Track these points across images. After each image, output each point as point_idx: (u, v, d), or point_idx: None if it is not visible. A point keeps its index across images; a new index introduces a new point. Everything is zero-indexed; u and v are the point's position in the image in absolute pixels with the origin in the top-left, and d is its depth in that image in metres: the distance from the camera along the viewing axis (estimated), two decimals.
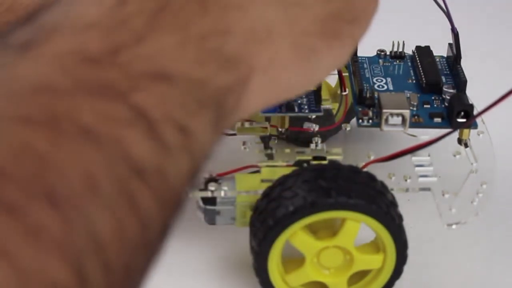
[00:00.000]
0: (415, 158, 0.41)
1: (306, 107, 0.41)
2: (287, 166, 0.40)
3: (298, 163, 0.40)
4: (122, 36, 0.23)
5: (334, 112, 0.47)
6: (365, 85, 0.42)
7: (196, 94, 0.24)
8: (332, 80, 0.48)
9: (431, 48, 0.45)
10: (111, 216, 0.20)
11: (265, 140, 0.44)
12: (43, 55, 0.22)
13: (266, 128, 0.43)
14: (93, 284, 0.19)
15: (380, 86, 0.43)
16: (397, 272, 0.38)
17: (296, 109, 0.41)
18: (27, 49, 0.22)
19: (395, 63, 0.45)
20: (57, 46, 0.22)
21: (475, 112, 0.40)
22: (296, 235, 0.37)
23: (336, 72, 0.44)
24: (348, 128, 0.43)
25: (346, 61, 0.31)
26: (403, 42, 0.45)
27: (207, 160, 0.25)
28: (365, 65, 0.45)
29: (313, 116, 0.42)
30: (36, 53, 0.22)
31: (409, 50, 0.45)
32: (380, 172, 0.38)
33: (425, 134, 0.40)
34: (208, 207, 0.39)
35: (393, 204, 0.37)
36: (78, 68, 0.22)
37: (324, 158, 0.40)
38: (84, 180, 0.20)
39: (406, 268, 0.38)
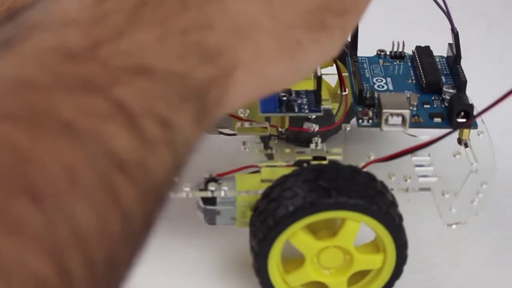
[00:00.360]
0: (415, 158, 0.41)
1: (306, 107, 0.41)
2: (287, 166, 0.40)
3: (298, 163, 0.40)
4: (102, 32, 0.23)
5: (334, 112, 0.47)
6: (365, 85, 0.42)
7: (177, 88, 0.24)
8: (332, 80, 0.48)
9: (431, 48, 0.45)
10: (92, 209, 0.20)
11: (265, 140, 0.44)
12: (23, 51, 0.22)
13: (266, 128, 0.43)
14: (75, 277, 0.19)
15: (380, 86, 0.43)
16: (397, 272, 0.39)
17: (296, 109, 0.41)
18: (8, 46, 0.22)
19: (395, 63, 0.45)
20: (37, 43, 0.23)
21: (475, 112, 0.40)
22: (296, 235, 0.37)
23: (336, 72, 0.44)
24: (348, 128, 0.43)
25: (336, 54, 0.31)
26: (403, 42, 0.45)
27: (191, 154, 0.25)
28: (365, 65, 0.45)
29: (313, 116, 0.42)
30: (16, 50, 0.22)
31: (409, 50, 0.45)
32: (380, 172, 0.38)
33: (425, 134, 0.40)
34: (208, 207, 0.39)
35: (393, 204, 0.37)
36: (57, 63, 0.22)
37: (324, 158, 0.40)
38: (64, 174, 0.20)
39: (406, 268, 0.38)
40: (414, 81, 0.44)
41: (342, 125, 0.44)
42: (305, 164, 0.40)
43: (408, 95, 0.42)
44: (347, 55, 0.46)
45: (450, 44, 0.44)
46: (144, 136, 0.22)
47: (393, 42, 0.46)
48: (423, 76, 0.43)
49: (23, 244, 0.19)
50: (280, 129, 0.42)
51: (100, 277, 0.20)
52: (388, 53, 0.46)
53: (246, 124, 0.43)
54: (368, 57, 0.45)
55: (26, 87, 0.21)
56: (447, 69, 0.44)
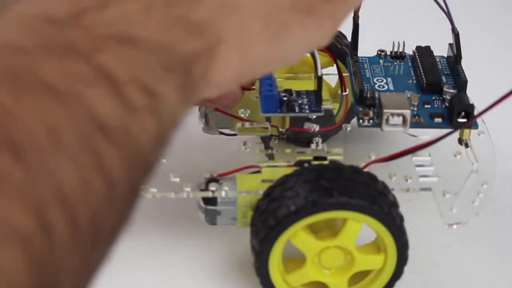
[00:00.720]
0: (416, 158, 0.41)
1: (306, 107, 0.41)
2: (288, 166, 0.40)
3: (299, 163, 0.40)
4: (86, 1, 0.24)
5: (335, 112, 0.47)
6: (365, 85, 0.42)
7: (161, 59, 0.24)
8: (333, 80, 0.48)
9: (432, 48, 0.45)
10: (74, 168, 0.20)
11: (266, 140, 0.44)
12: (7, 17, 0.23)
13: (266, 128, 0.43)
14: (57, 233, 0.20)
15: (381, 86, 0.43)
16: (398, 272, 0.39)
17: (297, 109, 0.41)
18: None
19: (395, 63, 0.45)
20: (21, 9, 0.23)
21: (475, 112, 0.40)
22: (297, 235, 0.37)
23: (336, 72, 0.44)
24: (348, 128, 0.43)
25: (326, 42, 0.31)
26: (404, 42, 0.45)
27: (177, 129, 0.25)
28: (365, 65, 0.45)
29: (314, 116, 0.42)
30: (2, 15, 0.23)
31: (409, 50, 0.45)
32: (380, 172, 0.38)
33: (426, 134, 0.40)
34: (209, 207, 0.39)
35: (394, 204, 0.37)
36: (41, 28, 0.23)
37: (324, 158, 0.40)
38: (46, 133, 0.20)
39: (406, 268, 0.38)
40: (414, 81, 0.44)
41: (343, 125, 0.44)
42: (306, 164, 0.40)
43: (408, 95, 0.42)
44: (348, 55, 0.46)
45: (450, 44, 0.44)
46: (127, 102, 0.22)
47: (393, 42, 0.46)
48: (423, 76, 0.43)
49: (3, 197, 0.19)
50: (280, 129, 0.42)
51: (83, 236, 0.20)
52: (388, 53, 0.46)
53: (247, 124, 0.43)
54: (369, 57, 0.45)
55: (8, 50, 0.22)
56: (448, 69, 0.44)
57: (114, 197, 0.22)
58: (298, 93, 0.42)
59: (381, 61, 0.45)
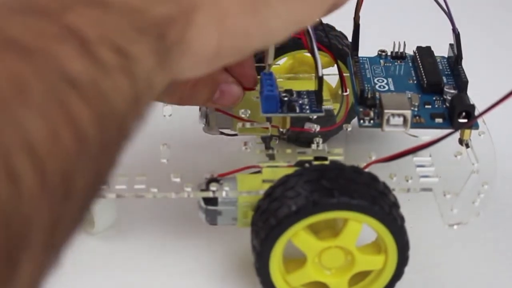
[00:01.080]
0: (417, 159, 0.41)
1: (307, 107, 0.41)
2: (288, 166, 0.40)
3: (299, 164, 0.40)
4: None
5: (335, 112, 0.47)
6: (366, 85, 0.42)
7: (134, 21, 0.24)
8: (333, 80, 0.48)
9: (432, 49, 0.45)
10: (42, 121, 0.20)
11: (266, 141, 0.44)
12: None
13: (267, 128, 0.43)
14: (25, 184, 0.19)
15: (381, 87, 0.43)
16: (398, 273, 0.39)
17: (298, 110, 0.41)
18: None
19: (396, 63, 0.45)
20: None
21: (476, 113, 0.40)
22: (298, 235, 0.37)
23: (337, 72, 0.44)
24: (349, 129, 0.43)
25: (311, 21, 0.31)
26: (404, 42, 0.45)
27: (154, 94, 0.25)
28: (366, 66, 0.45)
29: (314, 117, 0.42)
30: None
31: (410, 50, 0.45)
32: (381, 172, 0.38)
33: (426, 135, 0.40)
34: (210, 207, 0.39)
35: (395, 205, 0.37)
36: None
37: (325, 159, 0.40)
38: (13, 85, 0.20)
39: (406, 268, 0.38)
40: (415, 82, 0.44)
41: (343, 125, 0.44)
42: (306, 164, 0.40)
43: (409, 95, 0.42)
44: (348, 55, 0.46)
45: (451, 45, 0.44)
46: (98, 60, 0.22)
47: (394, 42, 0.46)
48: (424, 77, 0.43)
49: None
50: (281, 130, 0.42)
51: (53, 189, 0.20)
52: (389, 53, 0.46)
53: (247, 125, 0.43)
54: (369, 58, 0.46)
55: None
56: (448, 70, 0.44)
57: (86, 154, 0.22)
58: (299, 93, 0.42)
59: (381, 61, 0.45)
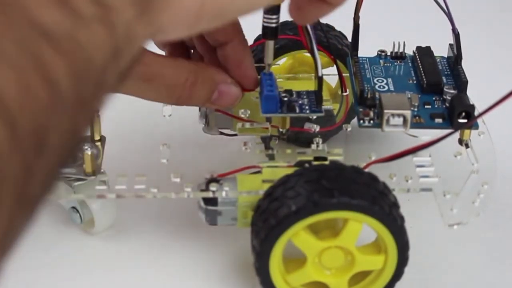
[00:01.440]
0: (416, 159, 0.41)
1: (307, 107, 0.41)
2: (288, 166, 0.40)
3: (299, 164, 0.40)
4: None
5: (335, 112, 0.47)
6: (366, 85, 0.42)
7: None
8: (333, 80, 0.48)
9: (432, 49, 0.45)
10: (12, 73, 0.20)
11: (266, 141, 0.44)
12: None
13: (267, 128, 0.43)
14: None
15: (381, 87, 0.43)
16: (398, 273, 0.39)
17: (297, 110, 0.41)
18: None
19: (396, 63, 0.45)
20: None
21: (476, 113, 0.40)
22: (298, 235, 0.37)
23: (336, 72, 0.44)
24: (349, 129, 0.43)
25: None
26: (404, 42, 0.45)
27: (134, 49, 0.24)
28: (365, 66, 0.45)
29: (314, 117, 0.42)
30: None
31: (409, 50, 0.46)
32: (381, 172, 0.38)
33: (426, 135, 0.40)
34: (210, 207, 0.39)
35: (395, 205, 0.37)
36: None
37: (325, 159, 0.40)
38: None
39: (406, 268, 0.38)
40: (415, 82, 0.44)
41: (343, 125, 0.44)
42: (306, 164, 0.40)
43: (409, 95, 0.42)
44: (348, 56, 0.46)
45: (451, 45, 0.44)
46: (74, 10, 0.22)
47: (394, 42, 0.46)
48: (424, 77, 0.43)
49: None
50: (281, 130, 0.42)
51: (25, 144, 0.20)
52: (389, 53, 0.46)
53: (247, 125, 0.43)
54: (369, 58, 0.46)
55: None
56: (448, 70, 0.44)
57: (60, 108, 0.21)
58: (299, 94, 0.42)
59: (381, 61, 0.45)
